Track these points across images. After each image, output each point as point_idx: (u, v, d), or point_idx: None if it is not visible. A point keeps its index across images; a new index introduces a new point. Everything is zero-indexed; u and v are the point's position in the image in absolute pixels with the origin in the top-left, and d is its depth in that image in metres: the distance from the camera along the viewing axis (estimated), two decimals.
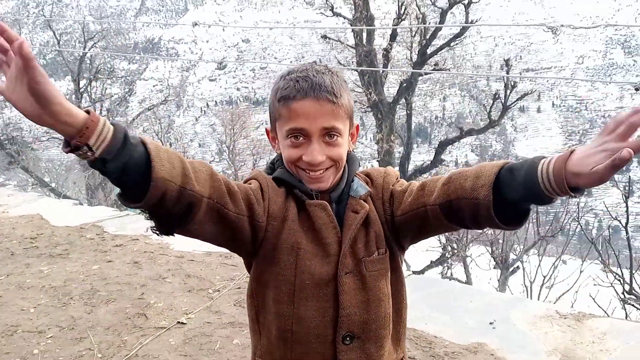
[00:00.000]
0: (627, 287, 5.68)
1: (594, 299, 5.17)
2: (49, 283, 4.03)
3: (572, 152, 0.90)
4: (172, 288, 3.91)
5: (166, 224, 1.00)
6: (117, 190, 0.95)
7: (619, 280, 5.81)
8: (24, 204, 6.60)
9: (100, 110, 21.37)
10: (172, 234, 1.03)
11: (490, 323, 3.22)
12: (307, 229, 1.16)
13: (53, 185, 21.47)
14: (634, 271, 5.79)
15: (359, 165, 1.29)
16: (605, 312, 4.03)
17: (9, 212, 6.17)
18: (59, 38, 21.67)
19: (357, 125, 1.25)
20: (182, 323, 3.37)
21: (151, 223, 0.99)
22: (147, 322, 3.40)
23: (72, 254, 4.69)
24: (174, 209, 0.96)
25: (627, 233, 5.12)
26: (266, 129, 1.26)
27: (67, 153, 0.85)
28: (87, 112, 0.86)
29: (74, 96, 21.77)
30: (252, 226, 1.11)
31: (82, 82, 21.38)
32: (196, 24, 4.80)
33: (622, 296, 5.68)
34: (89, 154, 0.85)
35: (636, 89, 3.19)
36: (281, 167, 1.22)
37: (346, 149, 1.18)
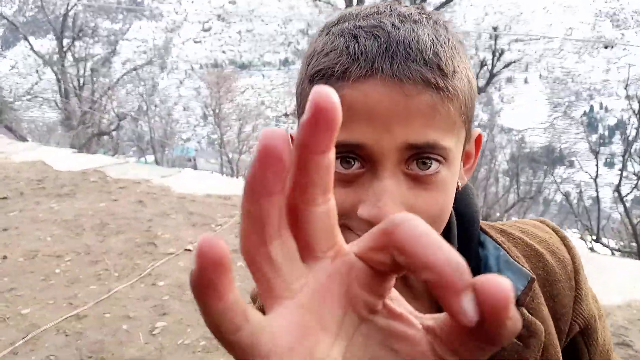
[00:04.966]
0: (594, 237, 6.16)
1: None
2: (61, 217, 4.33)
3: None
4: (177, 223, 4.23)
5: None
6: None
7: (588, 231, 6.27)
8: (25, 151, 6.82)
9: (84, 70, 21.23)
10: None
11: None
12: None
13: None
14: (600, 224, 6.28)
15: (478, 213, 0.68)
16: None
17: (11, 158, 6.40)
18: None
19: (480, 134, 0.62)
20: (189, 250, 3.71)
21: None
22: (156, 249, 3.74)
23: (78, 194, 4.97)
24: None
25: (596, 185, 5.55)
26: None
27: None
28: None
29: (57, 55, 21.54)
30: None
31: (65, 42, 21.14)
32: None
33: (589, 244, 6.15)
34: None
35: (605, 47, 3.47)
36: None
37: (454, 190, 0.55)
